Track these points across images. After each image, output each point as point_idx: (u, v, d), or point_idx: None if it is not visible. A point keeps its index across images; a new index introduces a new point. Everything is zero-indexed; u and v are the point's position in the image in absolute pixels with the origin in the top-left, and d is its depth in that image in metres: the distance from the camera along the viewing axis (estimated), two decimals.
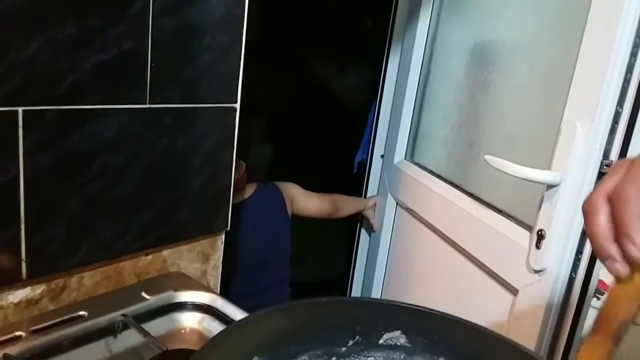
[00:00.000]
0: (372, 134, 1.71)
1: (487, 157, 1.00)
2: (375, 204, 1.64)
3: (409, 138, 1.52)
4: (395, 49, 1.58)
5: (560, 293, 0.94)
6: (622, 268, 0.40)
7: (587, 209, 0.42)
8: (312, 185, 1.62)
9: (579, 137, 0.88)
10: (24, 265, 0.69)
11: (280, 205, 1.50)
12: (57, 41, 0.66)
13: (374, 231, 1.65)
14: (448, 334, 0.56)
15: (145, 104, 0.77)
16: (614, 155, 0.87)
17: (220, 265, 0.99)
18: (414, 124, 1.51)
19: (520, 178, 0.93)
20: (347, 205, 1.64)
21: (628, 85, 0.86)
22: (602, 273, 1.02)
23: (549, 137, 0.95)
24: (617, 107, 0.87)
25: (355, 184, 1.78)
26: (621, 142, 0.87)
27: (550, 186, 0.92)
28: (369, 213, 1.66)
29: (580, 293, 0.93)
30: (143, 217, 0.81)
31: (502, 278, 1.05)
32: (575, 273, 0.92)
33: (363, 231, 1.75)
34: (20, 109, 0.65)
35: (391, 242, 1.58)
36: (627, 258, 0.39)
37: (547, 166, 0.93)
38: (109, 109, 0.73)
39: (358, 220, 1.74)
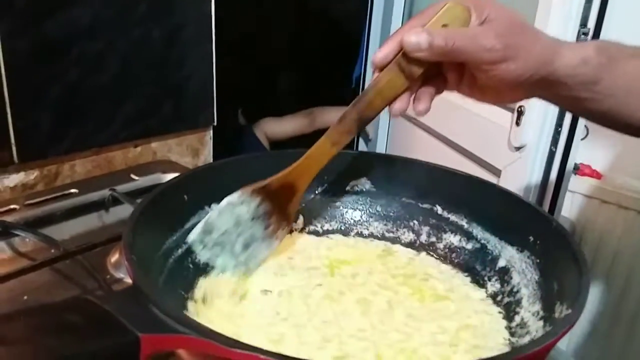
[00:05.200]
0: (366, 46, 1.70)
1: None
2: None
3: None
4: None
5: (540, 168, 0.96)
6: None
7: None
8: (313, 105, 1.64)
9: (555, 8, 0.87)
10: (14, 149, 0.73)
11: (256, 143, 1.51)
12: None
13: (370, 140, 1.67)
14: (408, 175, 0.59)
15: None
16: (591, 22, 0.87)
17: (211, 160, 1.03)
18: None
19: None
20: (326, 113, 1.65)
21: None
22: (579, 155, 1.04)
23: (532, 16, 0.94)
24: None
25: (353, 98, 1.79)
26: (597, 10, 0.86)
27: None
28: None
29: (560, 167, 0.95)
30: (126, 107, 0.84)
31: (486, 162, 1.07)
32: (555, 147, 0.94)
33: (361, 141, 1.77)
34: None
35: (387, 149, 1.60)
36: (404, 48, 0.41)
37: None
38: None
39: None
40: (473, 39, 0.39)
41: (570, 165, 0.96)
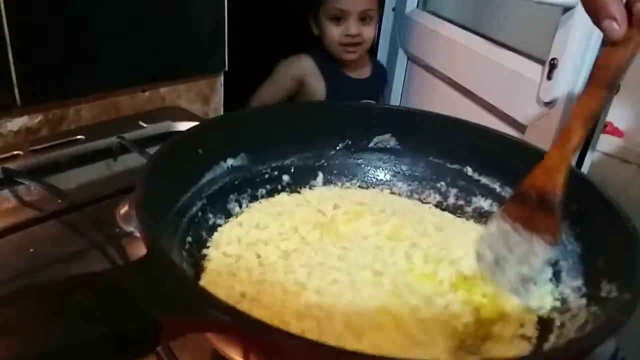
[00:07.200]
0: None
1: None
2: None
3: None
4: None
5: None
6: (621, 29, 0.39)
7: None
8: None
9: None
10: (16, 90, 0.69)
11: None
12: None
13: None
14: (437, 133, 0.55)
15: None
16: None
17: (222, 108, 0.98)
18: None
19: (537, 1, 0.86)
20: None
21: None
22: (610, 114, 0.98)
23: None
24: None
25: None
26: None
27: (566, 10, 0.86)
28: None
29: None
30: (132, 48, 0.79)
31: (510, 116, 1.02)
32: None
33: None
34: None
35: (402, 100, 1.54)
36: (636, 16, 0.38)
37: None
38: None
39: None
40: None
41: (601, 122, 0.91)
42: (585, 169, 0.94)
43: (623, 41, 0.39)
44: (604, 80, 0.40)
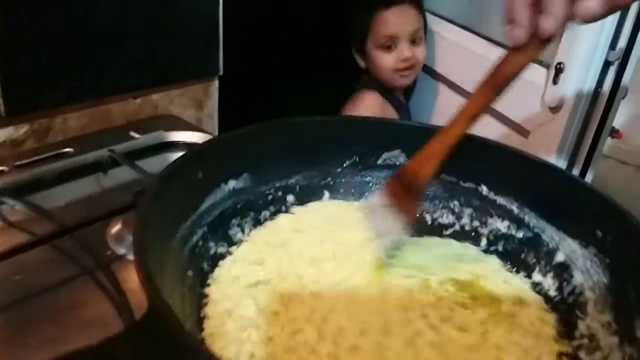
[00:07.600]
0: None
1: None
2: None
3: None
4: None
5: (575, 131, 0.89)
6: (523, 35, 0.40)
7: None
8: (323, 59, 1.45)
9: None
10: (0, 100, 0.65)
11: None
12: None
13: None
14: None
15: None
16: (622, 42, 0.78)
17: (216, 114, 0.95)
18: None
19: None
20: None
21: None
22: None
23: None
24: None
25: None
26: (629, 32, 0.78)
27: None
28: None
29: (596, 130, 0.88)
30: (123, 53, 0.75)
31: (513, 121, 0.99)
32: (594, 107, 0.86)
33: None
34: None
35: None
36: (537, 30, 0.39)
37: None
38: None
39: None
40: None
41: (607, 127, 0.88)
42: (589, 178, 0.92)
43: (521, 48, 0.40)
44: (496, 84, 0.42)
